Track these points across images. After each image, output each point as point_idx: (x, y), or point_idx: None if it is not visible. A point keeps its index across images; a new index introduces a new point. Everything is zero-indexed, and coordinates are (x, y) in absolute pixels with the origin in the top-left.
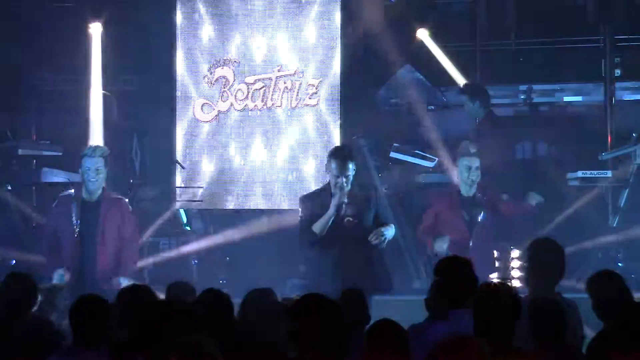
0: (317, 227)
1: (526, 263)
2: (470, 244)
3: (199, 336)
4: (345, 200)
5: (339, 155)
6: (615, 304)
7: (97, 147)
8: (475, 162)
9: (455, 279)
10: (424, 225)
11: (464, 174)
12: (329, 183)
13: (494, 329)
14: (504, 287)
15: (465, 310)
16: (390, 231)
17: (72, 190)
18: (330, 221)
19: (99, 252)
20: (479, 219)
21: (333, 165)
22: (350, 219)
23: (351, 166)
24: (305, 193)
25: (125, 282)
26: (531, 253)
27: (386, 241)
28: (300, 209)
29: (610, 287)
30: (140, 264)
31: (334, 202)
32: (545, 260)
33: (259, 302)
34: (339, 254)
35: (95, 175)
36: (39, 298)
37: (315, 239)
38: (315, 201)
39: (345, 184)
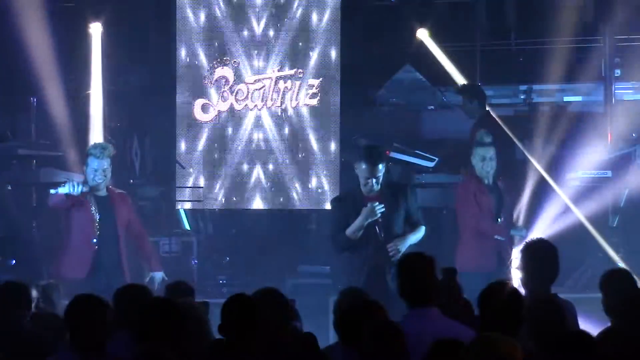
0: (349, 231)
1: (521, 265)
2: (497, 237)
3: (158, 345)
4: (377, 216)
5: (370, 157)
6: (626, 303)
7: (104, 147)
8: (490, 152)
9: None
10: (474, 211)
11: (478, 164)
12: (358, 183)
13: (499, 329)
14: (509, 287)
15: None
16: (409, 240)
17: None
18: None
19: (117, 246)
20: (504, 204)
21: (363, 166)
22: (380, 220)
23: (381, 167)
24: (336, 195)
25: (160, 276)
26: (525, 254)
27: (400, 254)
28: (331, 212)
29: (622, 285)
30: None
31: (364, 214)
32: (539, 261)
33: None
34: (368, 256)
35: (103, 177)
36: (34, 295)
37: (349, 244)
38: (345, 203)
39: (375, 185)
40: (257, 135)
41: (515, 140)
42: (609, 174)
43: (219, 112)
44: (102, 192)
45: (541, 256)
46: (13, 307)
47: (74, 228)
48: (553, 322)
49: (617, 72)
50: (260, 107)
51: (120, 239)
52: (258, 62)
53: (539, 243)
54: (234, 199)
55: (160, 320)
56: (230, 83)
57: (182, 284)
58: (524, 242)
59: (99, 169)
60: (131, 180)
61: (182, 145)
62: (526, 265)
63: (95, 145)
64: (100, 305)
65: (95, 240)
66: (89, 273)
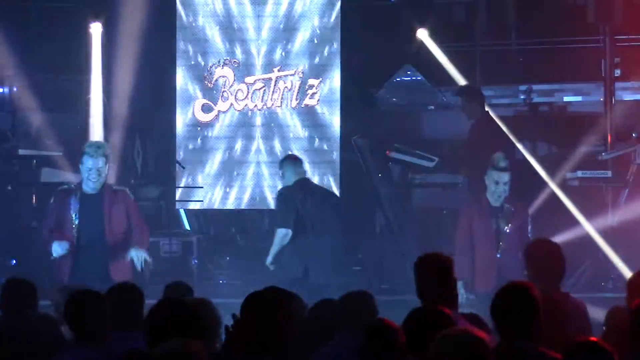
0: None
1: (526, 266)
2: (498, 255)
3: (186, 339)
4: None
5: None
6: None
7: (99, 146)
8: (504, 177)
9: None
10: (460, 243)
11: (491, 187)
12: None
13: (514, 330)
14: (524, 287)
15: None
16: None
17: (71, 185)
18: None
19: (103, 247)
20: (506, 229)
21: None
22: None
23: None
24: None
25: (135, 254)
26: (529, 256)
27: None
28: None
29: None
30: None
31: None
32: (544, 261)
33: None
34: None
35: (97, 177)
36: (38, 300)
37: None
38: None
39: None
40: (258, 135)
41: (515, 140)
42: (609, 174)
43: (219, 112)
44: (93, 191)
45: (546, 256)
46: (18, 306)
47: (55, 234)
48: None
49: (617, 72)
50: (260, 107)
51: (108, 240)
52: (258, 62)
53: (543, 243)
54: (235, 198)
55: (173, 321)
56: (230, 83)
57: (180, 283)
58: (529, 243)
59: (94, 168)
60: (132, 180)
61: (183, 146)
62: (531, 266)
63: (91, 144)
64: (98, 297)
65: (73, 243)
66: (69, 278)
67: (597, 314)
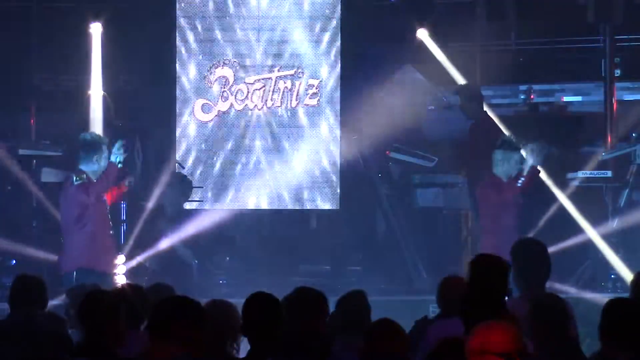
0: None
1: (512, 265)
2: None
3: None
4: None
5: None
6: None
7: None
8: (515, 156)
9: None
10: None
11: (504, 164)
12: None
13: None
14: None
15: None
16: None
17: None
18: None
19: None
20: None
21: None
22: None
23: None
24: None
25: None
26: (515, 254)
27: None
28: None
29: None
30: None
31: None
32: (529, 260)
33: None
34: None
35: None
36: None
37: None
38: None
39: None
40: (258, 135)
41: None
42: (609, 174)
43: (219, 112)
44: None
45: (531, 256)
46: (26, 304)
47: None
48: (555, 323)
49: (617, 72)
50: (260, 107)
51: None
52: (258, 62)
53: (528, 242)
54: (235, 198)
55: (175, 319)
56: (230, 83)
57: (162, 286)
58: (514, 242)
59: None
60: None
61: (183, 146)
62: (516, 265)
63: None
64: (120, 298)
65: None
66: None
67: (597, 314)
